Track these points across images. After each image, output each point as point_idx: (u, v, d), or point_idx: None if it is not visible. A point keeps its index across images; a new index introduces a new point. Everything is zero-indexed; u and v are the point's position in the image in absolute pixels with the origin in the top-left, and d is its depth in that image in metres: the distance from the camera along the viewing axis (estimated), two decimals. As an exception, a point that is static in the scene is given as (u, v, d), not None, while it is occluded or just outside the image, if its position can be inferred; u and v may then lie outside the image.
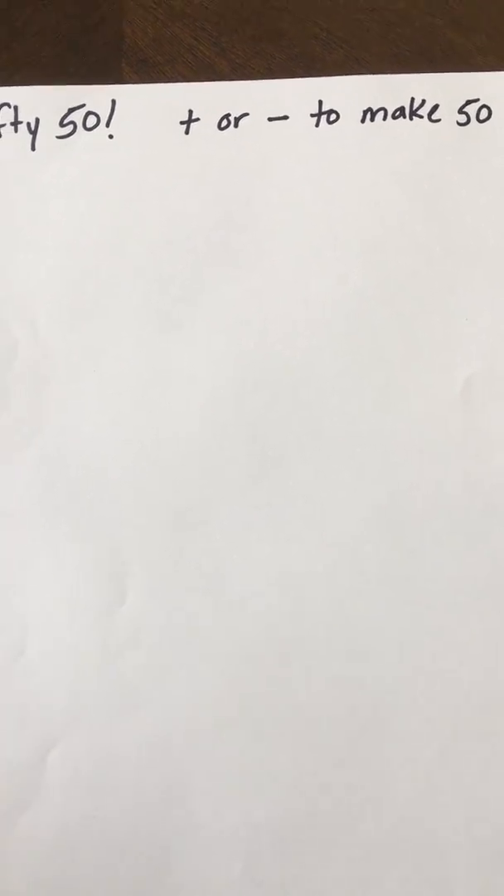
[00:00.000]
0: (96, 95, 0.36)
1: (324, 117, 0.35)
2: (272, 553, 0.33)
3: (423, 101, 0.35)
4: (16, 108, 0.36)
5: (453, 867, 0.31)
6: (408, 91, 0.35)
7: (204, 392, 0.34)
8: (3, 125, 0.36)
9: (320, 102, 0.35)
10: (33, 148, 0.36)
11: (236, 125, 0.35)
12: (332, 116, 0.35)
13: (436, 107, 0.35)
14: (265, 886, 0.31)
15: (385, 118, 0.35)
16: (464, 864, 0.31)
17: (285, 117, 0.35)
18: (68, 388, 0.34)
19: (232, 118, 0.35)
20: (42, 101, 0.36)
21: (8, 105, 0.36)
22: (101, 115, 0.36)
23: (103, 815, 0.31)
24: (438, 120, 0.35)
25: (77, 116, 0.36)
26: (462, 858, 0.31)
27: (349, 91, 0.35)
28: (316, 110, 0.35)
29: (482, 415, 0.33)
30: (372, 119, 0.35)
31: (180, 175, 0.35)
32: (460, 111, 0.35)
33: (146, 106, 0.36)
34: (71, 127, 0.36)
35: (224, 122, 0.35)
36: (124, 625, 0.33)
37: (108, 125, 0.36)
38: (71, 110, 0.36)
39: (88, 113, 0.36)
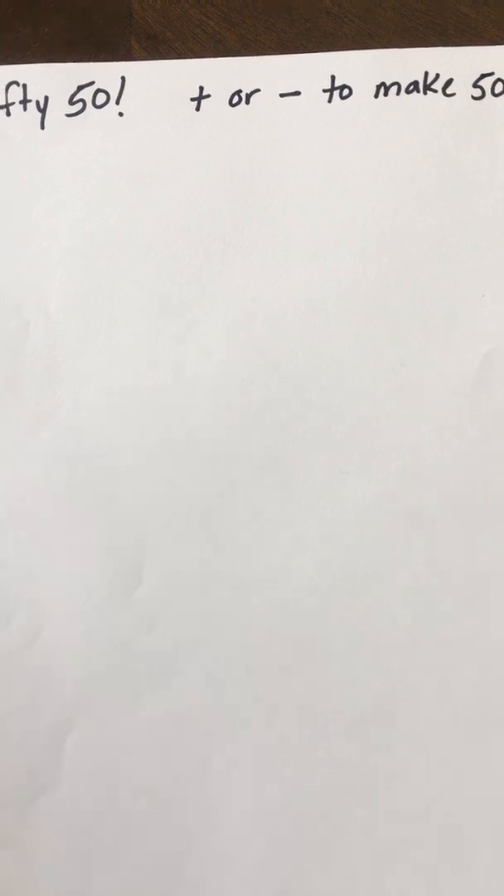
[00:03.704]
0: (106, 72, 0.35)
1: (336, 93, 0.35)
2: (286, 535, 0.33)
3: (437, 76, 0.35)
4: (24, 87, 0.35)
5: (470, 841, 0.31)
6: (421, 65, 0.35)
7: (217, 373, 0.34)
8: (12, 103, 0.35)
9: (333, 77, 0.35)
10: (42, 126, 0.35)
11: (247, 101, 0.35)
12: (345, 91, 0.35)
13: (450, 81, 0.35)
14: (288, 865, 0.31)
15: (399, 93, 0.35)
16: (480, 837, 0.32)
17: (297, 93, 0.35)
18: (80, 370, 0.34)
19: (243, 94, 0.35)
20: (51, 78, 0.35)
21: (16, 83, 0.35)
22: (110, 93, 0.35)
23: (122, 797, 0.32)
24: (453, 94, 0.35)
25: (86, 94, 0.35)
26: (478, 833, 0.32)
27: (362, 66, 0.35)
28: (328, 85, 0.35)
29: (500, 390, 0.33)
30: (385, 94, 0.35)
31: (191, 152, 0.35)
32: (475, 85, 0.35)
33: (156, 83, 0.35)
34: (80, 105, 0.35)
35: (235, 99, 0.35)
36: (140, 607, 0.33)
37: (117, 102, 0.35)
38: (80, 88, 0.35)
39: (98, 90, 0.35)
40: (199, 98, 0.35)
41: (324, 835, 0.31)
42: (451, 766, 0.32)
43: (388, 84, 0.35)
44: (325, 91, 0.35)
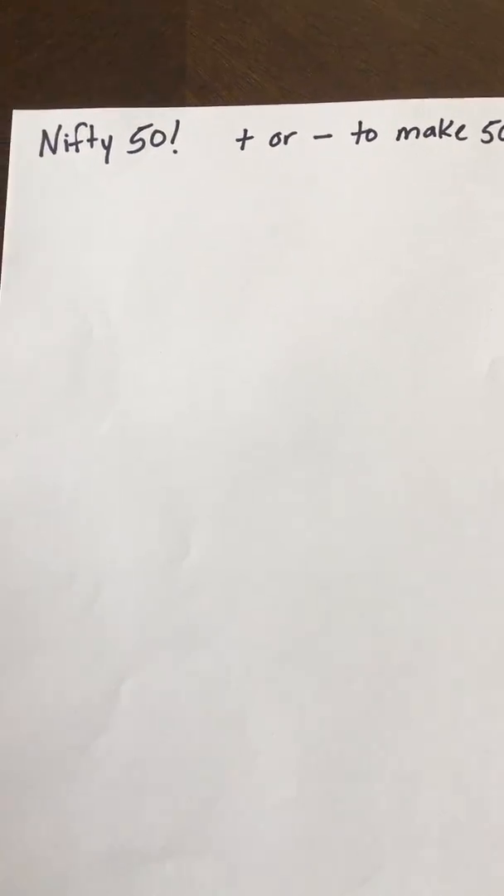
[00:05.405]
0: (162, 116, 0.40)
1: (363, 136, 0.39)
2: (318, 513, 0.36)
3: (451, 122, 0.39)
4: (92, 127, 0.40)
5: (488, 777, 0.34)
6: (437, 113, 0.39)
7: (257, 370, 0.37)
8: (81, 141, 0.40)
9: (360, 123, 0.39)
10: (107, 161, 0.40)
11: (286, 142, 0.39)
12: (371, 135, 0.39)
13: (462, 127, 0.39)
14: (316, 802, 0.34)
15: (417, 136, 0.39)
16: (497, 772, 0.34)
17: (329, 136, 0.39)
18: (137, 368, 0.38)
19: (282, 136, 0.39)
20: (115, 121, 0.40)
21: (85, 124, 0.40)
22: (166, 134, 0.40)
23: (170, 739, 0.34)
24: (465, 138, 0.39)
25: (146, 134, 0.40)
26: (497, 768, 0.34)
27: (386, 113, 0.39)
28: (356, 129, 0.39)
29: (506, 391, 0.37)
30: (406, 137, 0.39)
31: (236, 186, 0.39)
32: (484, 130, 0.39)
33: (206, 125, 0.40)
34: (140, 143, 0.40)
35: (275, 140, 0.39)
36: (187, 574, 0.36)
37: (172, 142, 0.40)
38: (140, 129, 0.40)
39: (155, 131, 0.40)
40: (244, 139, 0.40)
41: (352, 771, 0.34)
42: (465, 715, 0.34)
43: (408, 129, 0.39)
44: (353, 134, 0.39)
